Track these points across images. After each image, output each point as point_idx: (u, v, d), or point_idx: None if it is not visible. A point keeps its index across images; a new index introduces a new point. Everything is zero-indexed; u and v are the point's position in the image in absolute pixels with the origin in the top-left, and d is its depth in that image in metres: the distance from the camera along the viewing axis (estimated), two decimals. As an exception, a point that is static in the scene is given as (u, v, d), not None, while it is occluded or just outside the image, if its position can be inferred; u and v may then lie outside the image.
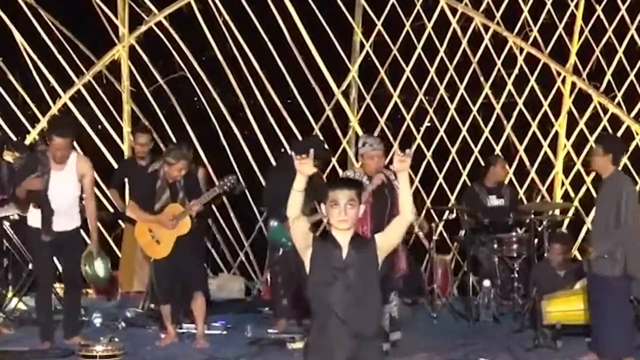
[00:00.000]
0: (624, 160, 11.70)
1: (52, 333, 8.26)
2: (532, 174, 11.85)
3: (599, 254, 7.56)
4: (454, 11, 12.01)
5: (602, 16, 12.10)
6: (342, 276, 4.76)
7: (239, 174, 10.17)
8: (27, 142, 10.64)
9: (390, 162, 5.94)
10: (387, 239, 4.91)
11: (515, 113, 11.90)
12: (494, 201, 10.23)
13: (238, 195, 10.04)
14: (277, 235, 8.97)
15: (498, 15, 12.06)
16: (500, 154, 11.53)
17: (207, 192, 8.50)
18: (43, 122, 11.36)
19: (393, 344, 7.97)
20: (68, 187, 8.20)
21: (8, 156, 9.90)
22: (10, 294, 9.53)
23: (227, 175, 8.71)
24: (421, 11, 11.96)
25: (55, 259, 8.52)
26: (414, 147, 11.94)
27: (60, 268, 8.77)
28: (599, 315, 7.74)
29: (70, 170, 8.19)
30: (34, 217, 8.14)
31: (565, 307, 8.57)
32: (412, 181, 11.79)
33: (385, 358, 7.65)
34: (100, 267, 8.37)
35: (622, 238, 7.58)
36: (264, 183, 10.50)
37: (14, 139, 11.02)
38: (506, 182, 10.92)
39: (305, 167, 4.81)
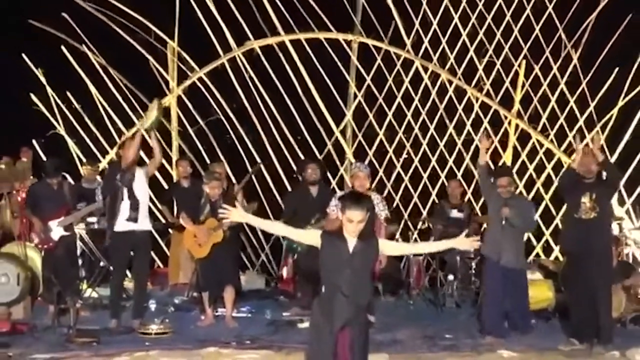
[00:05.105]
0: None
1: (120, 313, 8.25)
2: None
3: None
4: (425, 69, 12.11)
5: (539, 74, 12.19)
6: (348, 264, 4.87)
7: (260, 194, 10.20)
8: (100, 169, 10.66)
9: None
10: (385, 249, 5.14)
11: (472, 147, 11.94)
12: (455, 214, 10.21)
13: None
14: (290, 243, 9.10)
15: (460, 72, 12.17)
16: (461, 178, 11.55)
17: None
18: (111, 154, 11.39)
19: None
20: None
21: (85, 171, 9.95)
22: (85, 286, 9.54)
23: (252, 202, 8.82)
24: (400, 69, 12.07)
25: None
26: (395, 174, 12.03)
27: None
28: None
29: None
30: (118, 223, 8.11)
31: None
32: (393, 200, 11.87)
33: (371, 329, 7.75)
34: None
35: None
36: (280, 201, 10.54)
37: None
38: (465, 199, 10.93)
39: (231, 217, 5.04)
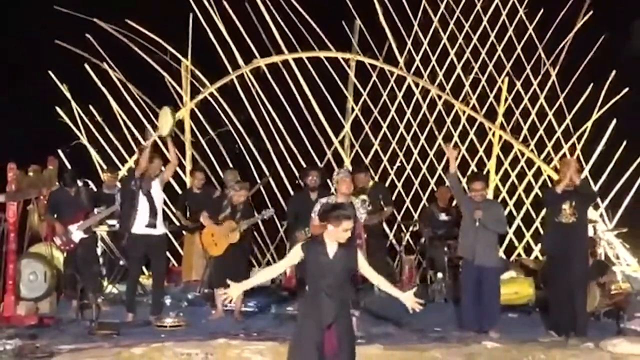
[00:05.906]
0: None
1: (135, 308, 8.30)
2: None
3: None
4: (417, 85, 12.17)
5: (520, 89, 12.24)
6: (329, 268, 4.97)
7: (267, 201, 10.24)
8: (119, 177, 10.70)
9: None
10: (361, 268, 5.15)
11: (459, 156, 11.96)
12: (443, 217, 10.25)
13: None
14: (292, 244, 9.07)
15: (448, 87, 12.22)
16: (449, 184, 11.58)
17: (252, 218, 8.53)
18: (130, 162, 11.47)
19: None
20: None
21: (106, 177, 10.02)
22: (106, 282, 9.58)
23: (266, 209, 8.83)
24: (394, 85, 12.12)
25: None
26: (389, 180, 12.06)
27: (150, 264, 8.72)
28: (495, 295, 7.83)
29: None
30: (135, 227, 8.16)
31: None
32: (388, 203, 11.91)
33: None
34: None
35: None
36: (284, 206, 10.58)
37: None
38: (453, 204, 10.96)
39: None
